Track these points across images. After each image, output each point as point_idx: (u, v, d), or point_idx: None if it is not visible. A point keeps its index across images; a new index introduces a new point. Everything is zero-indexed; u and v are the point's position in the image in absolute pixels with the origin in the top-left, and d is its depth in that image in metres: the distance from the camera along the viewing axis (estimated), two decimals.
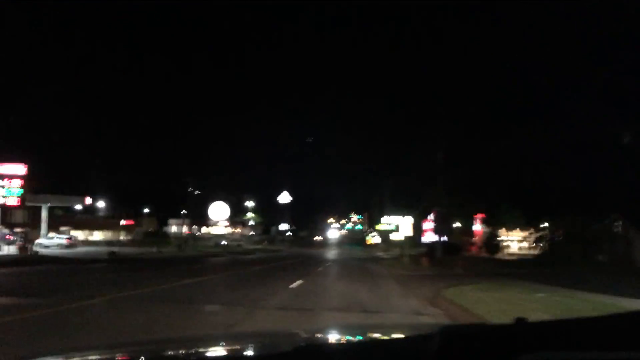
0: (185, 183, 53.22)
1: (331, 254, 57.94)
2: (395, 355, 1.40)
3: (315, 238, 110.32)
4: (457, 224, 51.68)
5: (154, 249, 41.91)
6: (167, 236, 64.84)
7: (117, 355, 2.05)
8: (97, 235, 64.07)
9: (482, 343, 1.24)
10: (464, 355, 1.21)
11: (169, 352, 2.09)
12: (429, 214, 50.83)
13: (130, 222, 63.59)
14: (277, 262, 30.78)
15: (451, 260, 26.53)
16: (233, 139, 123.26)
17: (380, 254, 58.30)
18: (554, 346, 1.23)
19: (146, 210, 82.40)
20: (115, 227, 64.32)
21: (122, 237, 63.25)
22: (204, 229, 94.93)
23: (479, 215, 52.18)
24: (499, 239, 44.38)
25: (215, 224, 66.66)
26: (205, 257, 36.56)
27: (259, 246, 75.13)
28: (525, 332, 1.38)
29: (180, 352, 2.09)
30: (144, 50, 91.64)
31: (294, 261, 32.41)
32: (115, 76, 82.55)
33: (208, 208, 64.20)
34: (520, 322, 1.44)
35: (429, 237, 49.74)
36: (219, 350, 2.18)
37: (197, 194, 61.65)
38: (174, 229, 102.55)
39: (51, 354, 2.06)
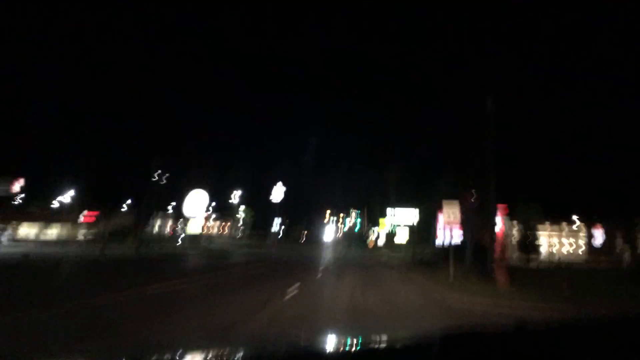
0: (153, 171, 43.93)
1: (325, 257, 48.81)
2: (396, 358, 1.39)
3: (303, 239, 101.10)
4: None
5: (97, 250, 33.14)
6: (139, 233, 55.30)
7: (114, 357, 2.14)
8: (53, 232, 55.22)
9: (481, 346, 1.24)
10: (463, 358, 1.20)
11: (165, 357, 2.06)
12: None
13: (93, 217, 54.30)
14: (238, 271, 21.33)
15: (516, 273, 17.12)
16: (223, 132, 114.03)
17: (384, 258, 49.06)
18: (554, 352, 1.20)
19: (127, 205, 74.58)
20: (75, 222, 55.19)
21: (82, 234, 54.06)
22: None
23: (501, 209, 42.88)
24: (535, 240, 35.05)
25: (191, 217, 57.74)
26: (155, 261, 27.73)
27: (246, 246, 66.19)
28: (525, 338, 1.34)
29: (175, 356, 2.07)
30: (122, 26, 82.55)
31: (266, 270, 23.36)
32: (88, 48, 73.38)
33: (184, 200, 55.62)
34: (521, 328, 1.41)
35: (448, 237, 40.67)
36: (216, 355, 2.11)
37: (180, 187, 53.22)
38: (156, 226, 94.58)
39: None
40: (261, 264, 26.49)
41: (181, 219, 77.24)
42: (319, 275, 19.67)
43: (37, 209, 55.46)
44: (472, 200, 27.35)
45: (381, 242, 66.01)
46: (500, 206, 40.99)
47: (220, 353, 2.12)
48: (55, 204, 59.92)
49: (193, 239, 56.57)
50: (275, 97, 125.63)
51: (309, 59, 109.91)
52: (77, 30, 73.49)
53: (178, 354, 2.10)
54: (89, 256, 30.14)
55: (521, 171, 33.73)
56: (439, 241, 41.75)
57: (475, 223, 28.05)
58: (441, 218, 42.06)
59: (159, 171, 44.03)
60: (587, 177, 43.54)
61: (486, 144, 17.99)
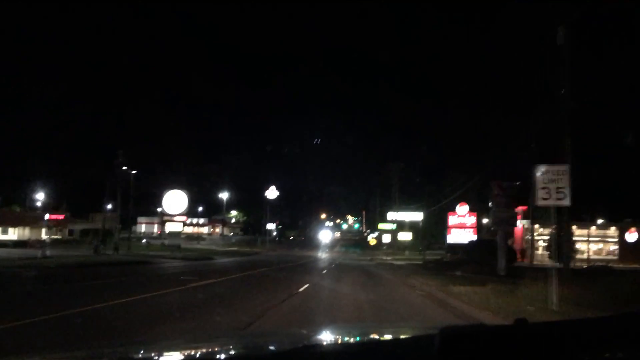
0: (119, 167, 38.13)
1: (321, 259, 43.14)
2: (396, 356, 1.37)
3: (298, 239, 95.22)
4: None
5: (39, 252, 27.78)
6: (110, 235, 49.55)
7: (118, 354, 2.02)
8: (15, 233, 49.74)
9: (482, 344, 1.22)
10: (464, 356, 1.19)
11: (171, 352, 2.05)
12: (459, 202, 36.26)
13: (59, 217, 48.77)
14: (191, 288, 15.06)
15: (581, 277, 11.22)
16: (218, 133, 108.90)
17: (387, 257, 43.26)
18: (553, 347, 1.21)
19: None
20: (39, 223, 49.63)
21: (46, 235, 48.43)
22: (180, 228, 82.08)
23: (520, 207, 37.18)
24: (570, 240, 29.14)
25: (171, 218, 52.37)
26: (99, 268, 22.24)
27: (235, 248, 60.55)
28: (525, 333, 1.34)
29: (182, 351, 2.05)
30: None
31: (236, 276, 17.68)
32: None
33: (163, 198, 50.06)
34: (520, 323, 1.38)
35: (460, 236, 34.99)
36: (221, 349, 2.11)
37: (164, 188, 47.81)
38: (143, 227, 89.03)
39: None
40: (240, 272, 20.69)
41: (160, 220, 72.36)
42: (303, 292, 13.60)
43: None
44: (505, 189, 21.59)
45: (384, 240, 60.52)
46: (519, 208, 35.14)
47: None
48: (36, 204, 55.17)
49: (171, 240, 50.90)
50: (275, 97, 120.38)
51: (307, 55, 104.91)
52: (52, 25, 68.27)
53: (175, 351, 2.06)
54: (23, 260, 24.47)
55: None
56: (450, 239, 36.12)
57: (508, 221, 22.15)
58: (453, 218, 36.17)
59: (125, 168, 38.33)
60: (615, 176, 38.32)
61: (560, 95, 12.16)
